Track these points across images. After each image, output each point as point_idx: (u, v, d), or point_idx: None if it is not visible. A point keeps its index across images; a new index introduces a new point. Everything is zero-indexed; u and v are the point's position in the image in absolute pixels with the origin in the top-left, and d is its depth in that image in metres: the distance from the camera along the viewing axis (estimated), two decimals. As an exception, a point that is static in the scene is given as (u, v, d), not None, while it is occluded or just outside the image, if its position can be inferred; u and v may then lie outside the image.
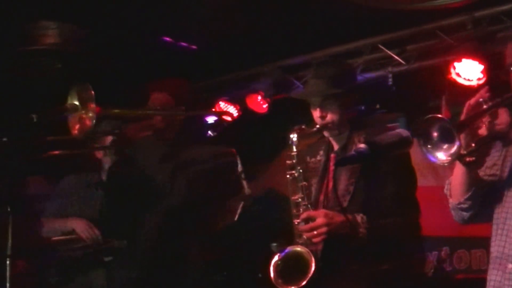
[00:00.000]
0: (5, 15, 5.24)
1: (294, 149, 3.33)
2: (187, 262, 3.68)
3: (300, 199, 3.30)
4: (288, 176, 3.33)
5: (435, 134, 2.67)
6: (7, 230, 3.35)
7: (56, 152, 3.66)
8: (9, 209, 3.38)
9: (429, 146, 2.69)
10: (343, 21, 5.61)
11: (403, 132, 3.25)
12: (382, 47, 5.85)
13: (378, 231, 3.17)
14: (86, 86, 3.37)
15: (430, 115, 2.68)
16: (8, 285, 3.31)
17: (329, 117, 3.37)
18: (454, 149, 2.61)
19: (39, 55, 5.80)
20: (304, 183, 3.31)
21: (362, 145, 3.13)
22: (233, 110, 6.48)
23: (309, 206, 3.26)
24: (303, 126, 3.40)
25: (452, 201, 2.95)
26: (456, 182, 2.91)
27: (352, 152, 3.12)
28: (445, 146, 2.65)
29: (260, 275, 5.46)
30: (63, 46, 5.69)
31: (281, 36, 5.96)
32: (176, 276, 3.66)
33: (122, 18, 5.55)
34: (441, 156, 2.66)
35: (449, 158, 2.65)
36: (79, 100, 3.39)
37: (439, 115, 2.69)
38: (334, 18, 5.56)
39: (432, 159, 2.66)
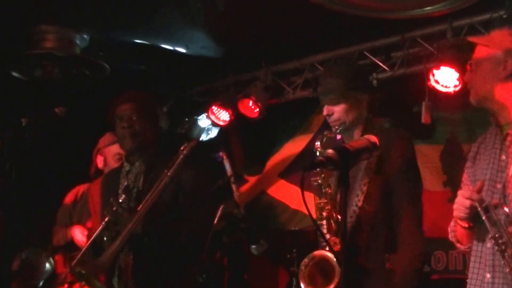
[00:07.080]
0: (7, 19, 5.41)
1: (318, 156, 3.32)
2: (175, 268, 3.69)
3: (323, 204, 3.34)
4: (314, 183, 3.35)
5: None
6: None
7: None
8: None
9: None
10: (331, 29, 5.70)
11: (371, 137, 3.40)
12: (368, 54, 5.97)
13: None
14: None
15: None
16: None
17: (336, 114, 3.41)
18: None
19: (38, 58, 5.90)
20: (328, 189, 3.35)
21: (330, 150, 3.28)
22: (225, 114, 6.59)
23: (332, 210, 3.33)
24: (326, 132, 3.43)
25: (462, 246, 3.10)
26: (462, 237, 3.06)
27: (320, 157, 3.30)
28: None
29: (245, 277, 5.57)
30: (60, 50, 5.81)
31: (272, 42, 6.10)
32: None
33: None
34: None
35: None
36: None
37: None
38: (323, 26, 5.68)
39: None
